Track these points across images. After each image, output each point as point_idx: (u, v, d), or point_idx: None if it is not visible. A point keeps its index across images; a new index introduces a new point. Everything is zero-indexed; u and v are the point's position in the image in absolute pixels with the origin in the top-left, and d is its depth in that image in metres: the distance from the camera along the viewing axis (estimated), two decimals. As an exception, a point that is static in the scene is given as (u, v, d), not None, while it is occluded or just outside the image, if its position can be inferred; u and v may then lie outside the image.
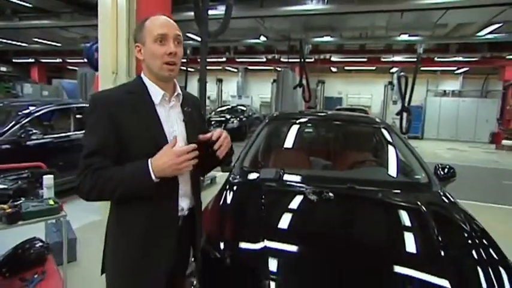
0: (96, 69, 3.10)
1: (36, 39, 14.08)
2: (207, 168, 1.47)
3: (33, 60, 19.70)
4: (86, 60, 3.57)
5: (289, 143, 3.36)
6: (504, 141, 14.73)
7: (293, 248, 1.87)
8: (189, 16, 6.03)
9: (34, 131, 4.71)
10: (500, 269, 1.66)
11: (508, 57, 13.76)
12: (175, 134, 1.34)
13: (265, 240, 1.75)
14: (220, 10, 3.77)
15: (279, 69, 15.19)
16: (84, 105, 5.88)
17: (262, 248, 1.72)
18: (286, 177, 2.53)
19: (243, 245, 1.83)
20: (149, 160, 1.24)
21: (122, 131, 1.28)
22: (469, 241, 1.91)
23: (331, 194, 2.21)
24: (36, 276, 2.55)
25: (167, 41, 1.32)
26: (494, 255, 1.77)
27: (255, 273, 1.62)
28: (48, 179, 2.69)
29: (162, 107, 1.38)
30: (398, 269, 1.64)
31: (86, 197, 1.26)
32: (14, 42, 15.06)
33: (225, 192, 2.42)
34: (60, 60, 19.00)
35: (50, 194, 2.66)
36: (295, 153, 3.32)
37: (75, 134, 5.42)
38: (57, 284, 2.54)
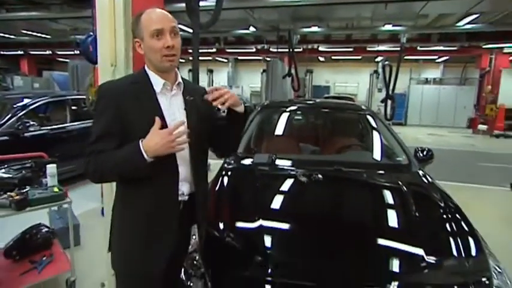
0: (93, 62, 3.17)
1: (24, 31, 13.64)
2: (225, 131, 1.55)
3: (22, 52, 19.08)
4: (79, 52, 3.64)
5: (280, 129, 3.47)
6: (480, 126, 15.25)
7: (286, 226, 1.99)
8: (180, 7, 6.06)
9: (31, 123, 4.73)
10: (469, 238, 1.86)
11: (484, 46, 14.04)
12: (175, 121, 1.40)
13: (260, 220, 1.88)
14: (211, 2, 3.84)
15: (268, 59, 15.15)
16: (78, 97, 5.87)
17: (258, 227, 1.85)
18: (278, 161, 2.68)
19: (241, 224, 1.96)
20: (140, 140, 1.28)
21: (125, 119, 1.34)
22: (443, 216, 2.09)
23: (320, 176, 2.37)
24: (44, 258, 2.66)
25: (163, 34, 1.35)
26: (465, 228, 1.95)
27: (252, 248, 1.75)
28: (51, 168, 2.75)
29: (164, 96, 1.43)
30: (380, 241, 1.81)
31: (92, 179, 1.36)
32: (1, 35, 14.51)
33: (221, 177, 2.53)
34: (50, 52, 18.48)
35: (54, 182, 2.73)
36: (286, 139, 3.43)
37: (71, 125, 5.45)
38: (65, 266, 2.65)
